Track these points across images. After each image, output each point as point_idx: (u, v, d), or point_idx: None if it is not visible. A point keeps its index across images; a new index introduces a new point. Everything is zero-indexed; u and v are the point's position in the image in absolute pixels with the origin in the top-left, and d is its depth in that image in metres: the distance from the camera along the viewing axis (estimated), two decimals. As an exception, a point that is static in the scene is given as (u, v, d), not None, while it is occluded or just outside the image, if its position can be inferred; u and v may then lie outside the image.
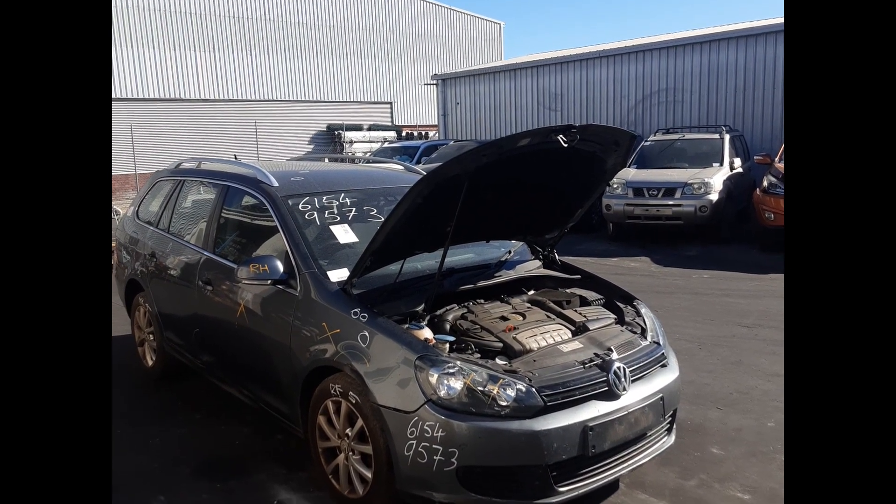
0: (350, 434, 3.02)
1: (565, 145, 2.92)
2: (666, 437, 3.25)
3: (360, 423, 2.95)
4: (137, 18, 21.10)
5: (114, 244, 5.58)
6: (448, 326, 3.18)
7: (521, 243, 4.12)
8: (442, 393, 2.71)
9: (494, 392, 2.71)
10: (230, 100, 23.31)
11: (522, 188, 3.39)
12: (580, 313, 3.41)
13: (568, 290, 3.76)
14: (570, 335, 3.20)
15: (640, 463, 3.05)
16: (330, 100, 25.80)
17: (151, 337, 4.94)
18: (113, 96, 20.09)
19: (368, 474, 2.95)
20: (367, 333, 2.96)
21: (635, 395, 2.97)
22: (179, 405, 4.47)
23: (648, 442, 3.10)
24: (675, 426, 3.35)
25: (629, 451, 2.99)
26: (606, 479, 2.91)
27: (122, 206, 9.52)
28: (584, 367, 2.91)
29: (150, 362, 5.00)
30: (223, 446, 3.85)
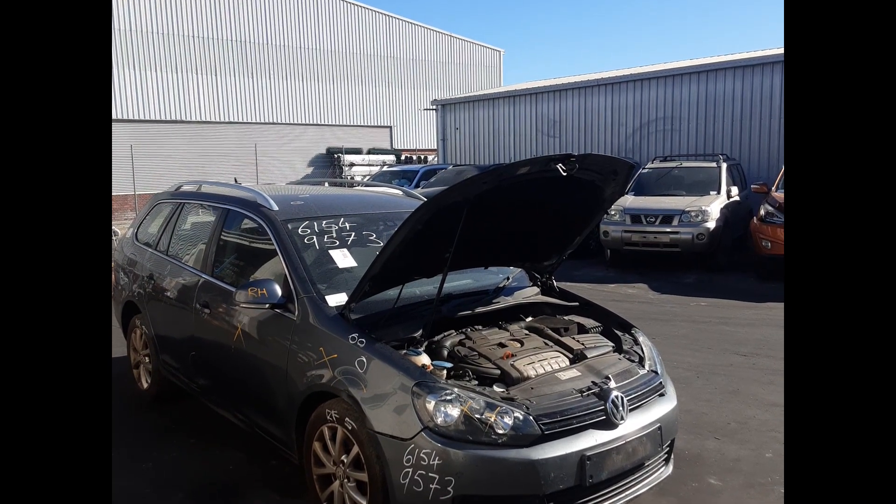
0: (345, 461, 3.00)
1: (564, 174, 2.94)
2: (663, 467, 3.23)
3: (355, 449, 2.92)
4: (139, 41, 21.32)
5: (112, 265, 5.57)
6: (446, 353, 3.16)
7: (520, 270, 4.13)
8: (439, 420, 2.69)
9: (492, 420, 2.69)
10: (230, 122, 23.47)
11: (521, 215, 3.41)
12: (578, 341, 3.41)
13: (566, 318, 3.75)
14: (567, 363, 3.19)
15: (638, 493, 3.03)
16: (330, 123, 25.99)
17: (147, 359, 4.92)
18: (114, 117, 20.21)
19: (364, 502, 2.92)
20: (364, 359, 2.95)
21: (633, 424, 2.95)
22: (174, 428, 4.44)
23: (646, 472, 3.08)
24: (672, 456, 3.33)
25: (626, 481, 2.96)
26: (604, 510, 2.88)
27: (121, 227, 9.52)
28: (581, 396, 2.90)
29: (145, 385, 4.97)
30: (217, 471, 3.81)
